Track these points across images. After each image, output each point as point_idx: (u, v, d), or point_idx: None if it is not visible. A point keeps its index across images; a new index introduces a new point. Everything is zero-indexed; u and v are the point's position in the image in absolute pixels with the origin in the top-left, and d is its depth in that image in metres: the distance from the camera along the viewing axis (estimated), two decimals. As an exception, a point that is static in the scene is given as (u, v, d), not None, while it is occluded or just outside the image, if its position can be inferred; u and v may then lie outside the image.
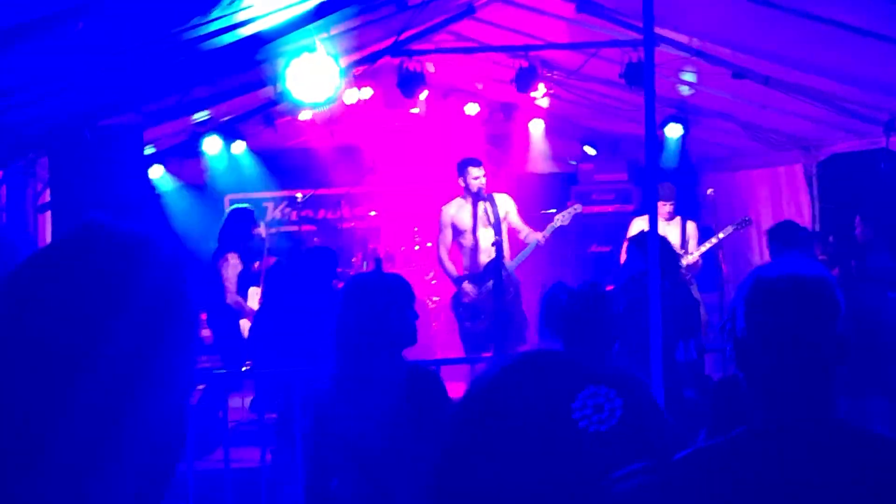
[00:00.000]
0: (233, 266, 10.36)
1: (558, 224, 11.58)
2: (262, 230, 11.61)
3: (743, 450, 2.49)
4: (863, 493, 2.39)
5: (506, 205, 11.36)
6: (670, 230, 11.79)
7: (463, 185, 11.20)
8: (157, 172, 13.44)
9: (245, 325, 10.66)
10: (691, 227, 12.05)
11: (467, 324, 11.31)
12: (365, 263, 13.40)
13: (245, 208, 10.79)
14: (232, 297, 10.37)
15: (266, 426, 8.61)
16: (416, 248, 14.11)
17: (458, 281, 11.31)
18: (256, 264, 11.34)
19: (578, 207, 11.86)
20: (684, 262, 11.40)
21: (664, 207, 11.78)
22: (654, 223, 6.73)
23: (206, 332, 10.52)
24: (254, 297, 10.87)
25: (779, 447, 2.45)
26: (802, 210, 11.92)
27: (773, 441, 2.47)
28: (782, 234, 8.19)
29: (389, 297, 4.78)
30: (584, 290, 5.26)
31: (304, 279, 8.65)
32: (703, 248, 11.58)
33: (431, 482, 1.49)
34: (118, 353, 1.32)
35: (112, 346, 1.32)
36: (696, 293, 11.45)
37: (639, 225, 11.66)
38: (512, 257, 11.23)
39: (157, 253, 1.42)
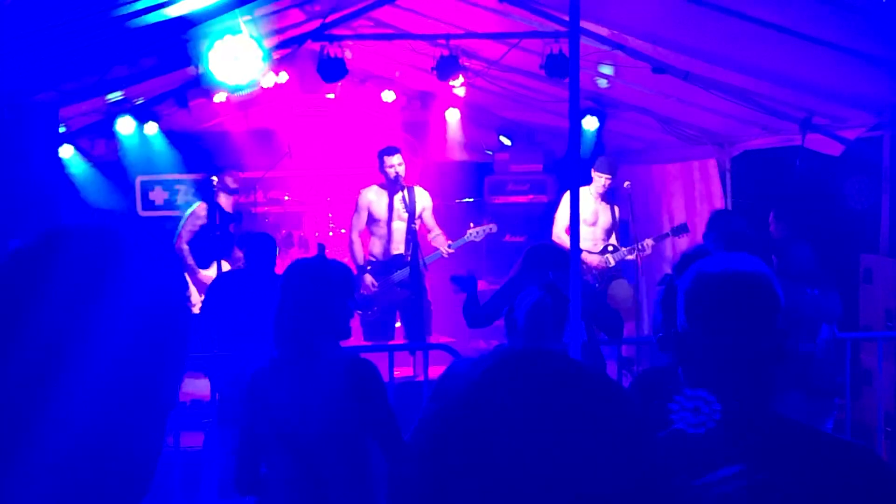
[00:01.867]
0: (195, 215, 10.65)
1: (469, 239, 11.66)
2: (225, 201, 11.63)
3: (681, 444, 2.51)
4: (800, 487, 2.42)
5: (423, 200, 11.39)
6: (602, 210, 11.90)
7: (381, 172, 11.20)
8: (67, 152, 13.23)
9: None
10: (616, 211, 12.10)
11: (359, 312, 11.36)
12: (278, 250, 13.33)
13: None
14: (180, 243, 10.73)
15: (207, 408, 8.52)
16: (330, 234, 14.03)
17: (360, 270, 11.32)
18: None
19: (493, 227, 11.91)
20: (595, 260, 11.55)
21: (600, 180, 11.82)
22: (575, 212, 6.75)
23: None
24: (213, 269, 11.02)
25: (717, 441, 2.48)
26: (715, 205, 12.05)
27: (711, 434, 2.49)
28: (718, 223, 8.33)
29: (332, 285, 4.77)
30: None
31: (247, 266, 8.61)
32: (622, 255, 11.64)
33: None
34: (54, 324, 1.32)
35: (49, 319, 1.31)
36: (624, 287, 11.60)
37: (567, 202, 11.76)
38: (424, 253, 11.25)
39: (136, 246, 1.41)
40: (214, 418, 8.37)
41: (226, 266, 11.04)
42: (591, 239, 11.71)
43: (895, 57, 7.58)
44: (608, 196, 11.98)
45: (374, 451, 4.92)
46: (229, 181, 11.50)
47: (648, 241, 11.56)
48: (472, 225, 11.88)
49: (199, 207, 11.21)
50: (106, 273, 1.36)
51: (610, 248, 11.75)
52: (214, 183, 12.48)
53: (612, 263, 11.71)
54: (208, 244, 11.12)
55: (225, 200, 11.49)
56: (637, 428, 1.38)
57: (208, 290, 8.64)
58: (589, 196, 11.82)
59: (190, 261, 11.10)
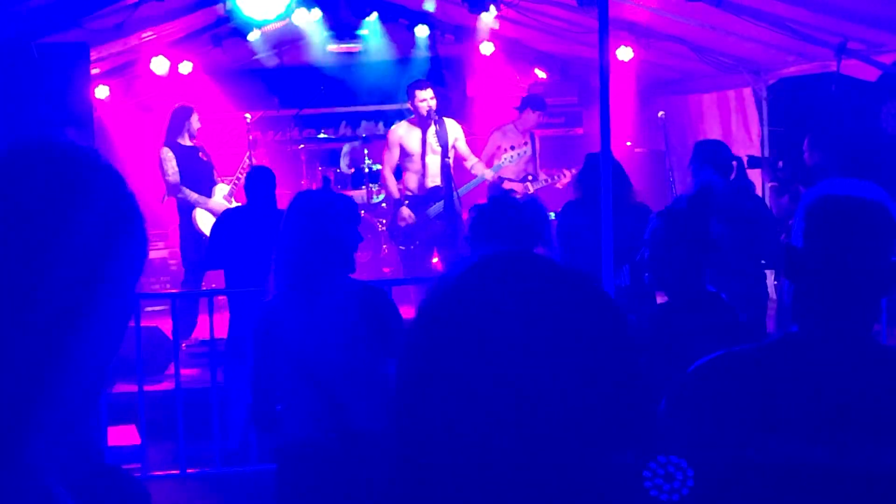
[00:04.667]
0: (166, 160, 10.63)
1: (505, 163, 11.65)
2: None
3: (779, 354, 2.57)
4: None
5: (454, 131, 11.35)
6: (524, 142, 12.31)
7: (412, 108, 11.16)
8: (102, 92, 13.28)
9: (200, 215, 10.78)
10: (537, 143, 12.72)
11: (401, 247, 11.38)
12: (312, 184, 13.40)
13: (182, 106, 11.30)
14: (171, 191, 10.68)
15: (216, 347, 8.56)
16: (366, 170, 14.01)
17: (396, 203, 11.34)
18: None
19: (528, 151, 11.94)
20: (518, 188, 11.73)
21: (534, 116, 12.44)
22: (606, 147, 6.72)
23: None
24: (219, 194, 10.99)
25: (815, 355, 2.54)
26: (752, 134, 11.96)
27: (809, 349, 2.55)
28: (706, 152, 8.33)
29: (336, 216, 4.77)
30: (501, 197, 5.31)
31: (248, 201, 8.61)
32: (541, 184, 12.05)
33: (395, 403, 1.45)
34: (66, 266, 1.33)
35: (60, 260, 1.33)
36: None
37: (497, 137, 12.38)
38: (458, 185, 11.24)
39: (101, 164, 1.41)
40: (228, 354, 8.47)
41: (224, 189, 11.07)
42: (515, 171, 12.10)
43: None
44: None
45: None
46: (194, 122, 11.39)
47: (567, 172, 11.97)
48: (506, 149, 11.86)
49: (163, 151, 11.08)
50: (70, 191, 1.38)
51: (529, 178, 12.15)
52: (248, 121, 12.45)
53: (532, 191, 11.92)
54: (195, 176, 11.08)
55: (185, 139, 11.32)
56: (617, 327, 1.39)
57: (212, 229, 8.60)
58: (514, 131, 12.36)
59: (193, 196, 10.95)
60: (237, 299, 8.36)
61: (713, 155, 8.18)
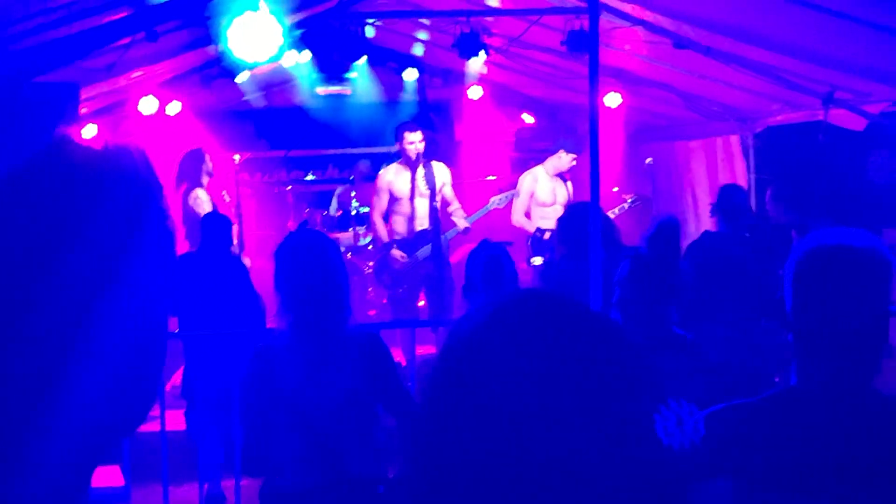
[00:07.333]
0: (203, 202, 10.51)
1: (493, 207, 11.63)
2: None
3: (779, 409, 2.55)
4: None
5: (442, 175, 11.36)
6: (558, 188, 11.91)
7: (400, 149, 11.18)
8: (90, 132, 13.26)
9: None
10: (569, 186, 12.07)
11: (390, 291, 11.34)
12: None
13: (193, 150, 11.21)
14: None
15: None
16: (353, 213, 14.02)
17: (386, 247, 11.31)
18: None
19: (518, 192, 11.86)
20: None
21: (566, 158, 11.86)
22: (595, 193, 6.75)
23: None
24: None
25: (814, 409, 2.52)
26: (738, 181, 12.00)
27: (809, 403, 2.53)
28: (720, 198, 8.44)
29: (332, 258, 4.74)
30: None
31: (202, 247, 8.60)
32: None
33: (412, 443, 1.43)
34: (83, 268, 1.30)
35: (77, 263, 1.29)
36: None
37: (528, 182, 11.80)
38: (445, 229, 11.24)
39: (124, 166, 1.39)
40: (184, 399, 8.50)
41: None
42: (553, 218, 11.67)
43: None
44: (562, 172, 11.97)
45: (382, 419, 4.91)
46: (209, 163, 11.22)
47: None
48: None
49: (200, 192, 10.91)
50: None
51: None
52: (236, 162, 12.47)
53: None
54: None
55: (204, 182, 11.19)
56: (638, 371, 1.38)
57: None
58: (545, 175, 11.86)
59: None
60: (191, 346, 8.35)
61: (721, 200, 8.32)
